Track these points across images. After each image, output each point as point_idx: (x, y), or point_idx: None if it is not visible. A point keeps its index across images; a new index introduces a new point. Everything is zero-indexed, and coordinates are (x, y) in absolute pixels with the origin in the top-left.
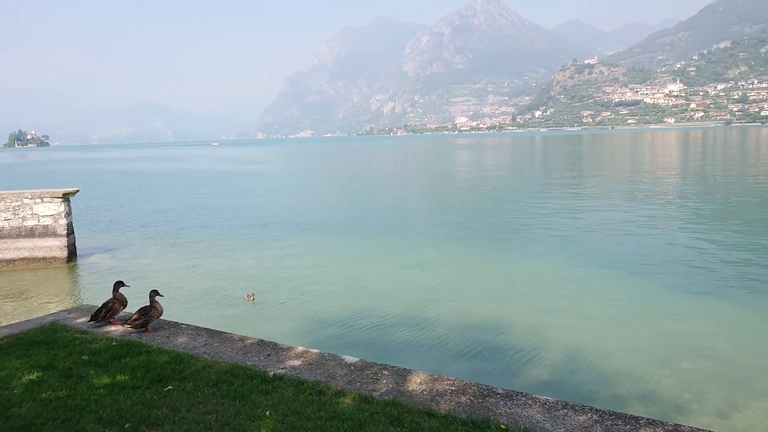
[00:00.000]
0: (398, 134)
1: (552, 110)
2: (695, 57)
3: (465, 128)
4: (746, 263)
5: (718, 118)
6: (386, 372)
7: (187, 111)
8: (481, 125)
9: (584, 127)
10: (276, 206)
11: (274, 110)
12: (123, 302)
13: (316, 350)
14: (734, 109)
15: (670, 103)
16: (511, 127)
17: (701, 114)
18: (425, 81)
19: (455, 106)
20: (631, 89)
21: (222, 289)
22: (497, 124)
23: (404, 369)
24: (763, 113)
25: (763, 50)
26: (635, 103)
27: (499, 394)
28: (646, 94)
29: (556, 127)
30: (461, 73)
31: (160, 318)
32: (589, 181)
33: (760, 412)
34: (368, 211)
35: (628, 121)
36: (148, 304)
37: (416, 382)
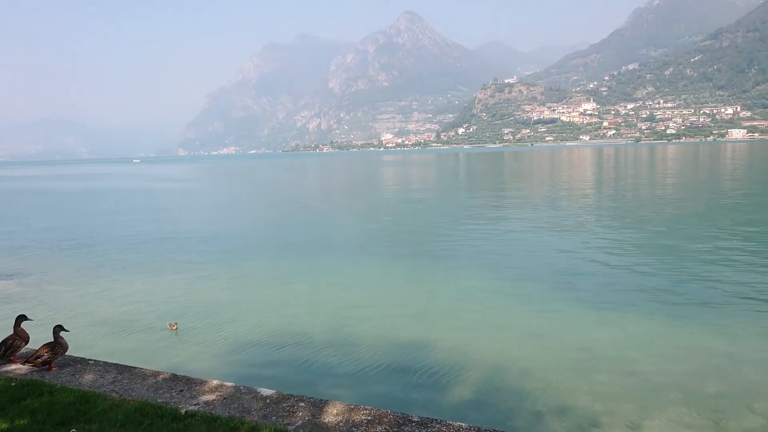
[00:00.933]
0: (324, 151)
1: (475, 127)
2: (606, 78)
3: (391, 145)
4: (656, 276)
5: (629, 135)
6: (303, 404)
7: (103, 127)
8: (406, 142)
9: (505, 144)
10: (197, 226)
11: (196, 126)
12: (25, 338)
13: (231, 383)
14: (643, 127)
15: (585, 122)
16: (435, 144)
17: (613, 132)
18: (351, 98)
19: (381, 122)
20: (548, 108)
21: (138, 317)
22: (422, 141)
23: (321, 400)
24: (668, 131)
25: (667, 72)
26: (553, 121)
27: (414, 421)
28: (563, 112)
29: (479, 143)
30: (386, 91)
31: (66, 354)
32: (510, 197)
33: (670, 421)
34: (293, 230)
35: (547, 139)
36: (53, 339)
37: (333, 414)
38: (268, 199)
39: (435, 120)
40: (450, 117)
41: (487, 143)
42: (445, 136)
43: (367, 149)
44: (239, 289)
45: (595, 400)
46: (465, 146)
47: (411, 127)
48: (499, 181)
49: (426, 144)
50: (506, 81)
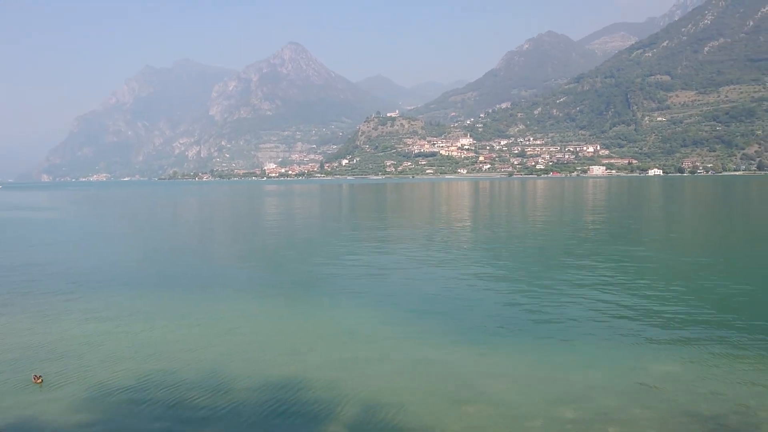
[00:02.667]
0: (204, 179)
1: (358, 159)
2: (482, 115)
3: (274, 174)
4: (522, 306)
5: (503, 169)
6: None
7: None
8: (290, 172)
9: (388, 175)
10: (60, 261)
11: (63, 151)
12: None
13: None
14: (515, 162)
15: (463, 156)
16: (319, 175)
17: (488, 166)
18: (233, 126)
19: (264, 152)
20: (428, 141)
21: None
22: (306, 171)
23: None
24: (538, 166)
25: (536, 112)
26: (432, 154)
27: None
28: (442, 146)
29: (362, 175)
30: (270, 120)
31: None
32: (392, 227)
33: None
34: (168, 264)
35: (427, 171)
36: None
37: None
38: (141, 230)
39: (319, 150)
40: (334, 148)
41: (370, 174)
42: (329, 166)
43: (250, 178)
44: (111, 331)
45: (465, 431)
46: (348, 177)
47: (295, 157)
48: (381, 211)
49: (310, 174)
50: (389, 114)
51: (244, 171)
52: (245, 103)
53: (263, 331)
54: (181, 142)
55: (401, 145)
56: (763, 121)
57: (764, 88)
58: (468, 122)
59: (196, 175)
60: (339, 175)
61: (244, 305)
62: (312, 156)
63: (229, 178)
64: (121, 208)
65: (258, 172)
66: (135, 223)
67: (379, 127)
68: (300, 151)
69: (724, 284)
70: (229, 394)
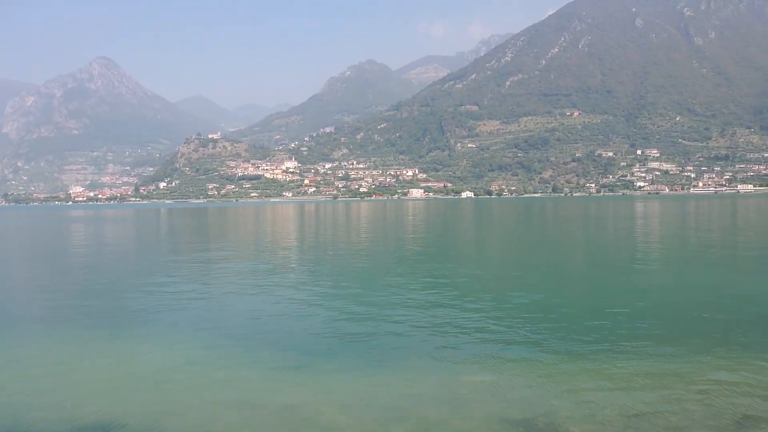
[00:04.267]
0: None
1: (177, 182)
2: (307, 138)
3: (81, 198)
4: (340, 327)
5: (327, 192)
6: None
7: None
8: (100, 196)
9: (210, 199)
10: None
11: None
12: None
13: None
14: (339, 185)
15: (288, 179)
16: (134, 199)
17: (314, 189)
18: (32, 145)
19: (69, 174)
20: (252, 164)
21: None
22: (119, 195)
23: None
24: (361, 189)
25: (358, 137)
26: (257, 177)
27: None
28: (267, 169)
29: (182, 198)
30: (76, 139)
31: None
32: (212, 252)
33: None
34: None
35: (251, 194)
36: None
37: None
38: None
39: (134, 173)
40: (150, 170)
41: (191, 198)
42: (144, 190)
43: (52, 203)
44: None
45: None
46: (167, 201)
47: (106, 179)
48: (202, 237)
49: (123, 198)
50: (211, 136)
51: (46, 195)
52: (47, 120)
53: (69, 372)
54: None
55: (224, 168)
56: (555, 149)
57: (555, 120)
58: (293, 145)
59: None
60: (156, 198)
61: (45, 343)
62: (126, 179)
63: (26, 203)
64: None
65: (62, 196)
66: None
67: (200, 149)
68: (112, 174)
69: (527, 296)
70: None
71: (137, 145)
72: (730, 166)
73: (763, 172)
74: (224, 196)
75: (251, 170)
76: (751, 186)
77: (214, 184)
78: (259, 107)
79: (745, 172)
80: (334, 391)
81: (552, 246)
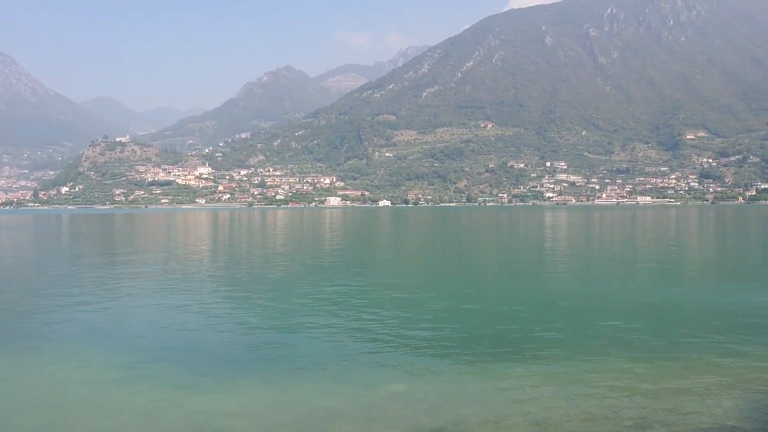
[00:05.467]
0: None
1: (81, 187)
2: (221, 144)
3: None
4: (254, 339)
5: (243, 200)
6: None
7: None
8: None
9: (117, 205)
10: None
11: None
12: None
13: None
14: (255, 192)
15: (201, 185)
16: (32, 204)
17: (228, 196)
18: None
19: None
20: (164, 170)
21: None
22: (15, 200)
23: None
24: (278, 197)
25: (275, 143)
26: (168, 183)
27: None
28: (179, 175)
29: (86, 204)
30: None
31: None
32: (117, 262)
33: None
34: None
35: (162, 201)
36: None
37: None
38: None
39: (32, 177)
40: (51, 174)
41: (96, 204)
42: (44, 194)
43: None
44: None
45: None
46: (70, 207)
47: (1, 183)
48: (106, 245)
49: (20, 203)
50: (118, 139)
51: None
52: None
53: None
54: None
55: (133, 173)
56: (470, 159)
57: (470, 131)
58: (207, 151)
59: None
60: (58, 204)
61: None
62: (23, 182)
63: None
64: None
65: None
66: None
67: (107, 152)
68: (8, 177)
69: (441, 303)
70: None
71: (37, 146)
72: (631, 179)
73: (660, 185)
74: (133, 202)
75: (162, 176)
76: (649, 198)
77: (122, 190)
78: (171, 111)
79: (644, 184)
80: (243, 404)
81: (466, 254)
